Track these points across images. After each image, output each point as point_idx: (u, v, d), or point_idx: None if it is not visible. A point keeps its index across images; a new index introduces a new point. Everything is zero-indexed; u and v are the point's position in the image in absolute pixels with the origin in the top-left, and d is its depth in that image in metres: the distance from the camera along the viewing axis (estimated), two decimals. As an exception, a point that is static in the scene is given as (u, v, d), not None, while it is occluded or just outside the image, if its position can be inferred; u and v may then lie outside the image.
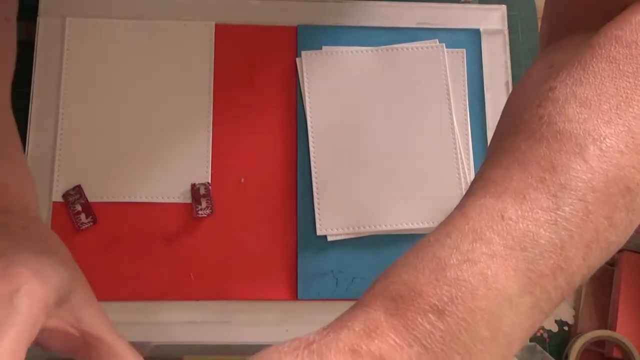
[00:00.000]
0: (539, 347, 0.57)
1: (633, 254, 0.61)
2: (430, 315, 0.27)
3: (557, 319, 0.61)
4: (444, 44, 0.65)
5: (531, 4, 0.69)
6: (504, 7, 0.68)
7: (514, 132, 0.32)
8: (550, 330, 0.61)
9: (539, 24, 0.68)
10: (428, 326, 0.26)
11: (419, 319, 0.27)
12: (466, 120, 0.64)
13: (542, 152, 0.30)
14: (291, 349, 0.27)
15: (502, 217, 0.28)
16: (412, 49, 0.65)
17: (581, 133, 0.30)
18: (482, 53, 0.66)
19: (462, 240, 0.28)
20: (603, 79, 0.31)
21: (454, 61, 0.65)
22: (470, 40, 0.66)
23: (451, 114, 0.64)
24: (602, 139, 0.30)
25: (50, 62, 0.62)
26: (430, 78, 0.64)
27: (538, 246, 0.28)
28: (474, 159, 0.63)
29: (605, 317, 0.61)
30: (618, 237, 0.31)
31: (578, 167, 0.29)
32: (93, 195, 0.59)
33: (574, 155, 0.29)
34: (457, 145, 0.63)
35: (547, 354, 0.56)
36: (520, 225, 0.28)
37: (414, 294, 0.27)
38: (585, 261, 0.29)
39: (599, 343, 0.59)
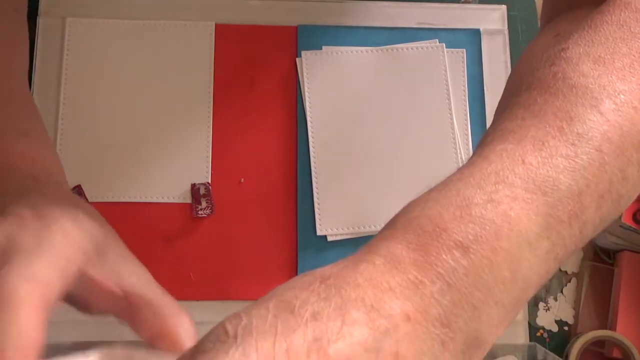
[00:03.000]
0: (539, 347, 0.57)
1: (633, 254, 0.61)
2: (455, 252, 0.26)
3: (557, 319, 0.61)
4: (444, 44, 0.65)
5: (531, 4, 0.69)
6: (504, 7, 0.67)
7: (527, 88, 0.32)
8: (550, 330, 0.61)
9: (539, 24, 0.68)
10: (452, 263, 0.26)
11: (443, 255, 0.26)
12: (466, 120, 0.64)
13: (559, 104, 0.30)
14: (305, 284, 0.26)
15: (523, 161, 0.29)
16: (412, 49, 0.65)
17: (596, 87, 0.30)
18: (482, 53, 0.66)
19: (486, 181, 0.28)
20: (615, 40, 0.32)
21: (454, 61, 0.65)
22: (470, 40, 0.66)
23: (451, 114, 0.64)
24: (616, 94, 0.30)
25: (50, 62, 0.62)
26: (430, 78, 0.64)
27: (558, 192, 0.28)
28: (474, 159, 0.63)
29: (605, 317, 0.61)
30: (628, 192, 0.31)
31: (595, 118, 0.30)
32: (93, 195, 0.59)
33: (590, 108, 0.30)
34: (457, 146, 0.63)
35: (549, 352, 0.56)
36: (541, 170, 0.28)
37: (439, 230, 0.27)
38: (597, 212, 0.30)
39: (599, 343, 0.59)
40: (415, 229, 0.27)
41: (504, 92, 0.37)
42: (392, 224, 0.29)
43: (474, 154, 0.31)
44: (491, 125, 0.33)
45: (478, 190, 0.28)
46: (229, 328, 0.25)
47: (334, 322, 0.24)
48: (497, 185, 0.28)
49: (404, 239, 0.27)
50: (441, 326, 0.25)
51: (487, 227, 0.27)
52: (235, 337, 0.24)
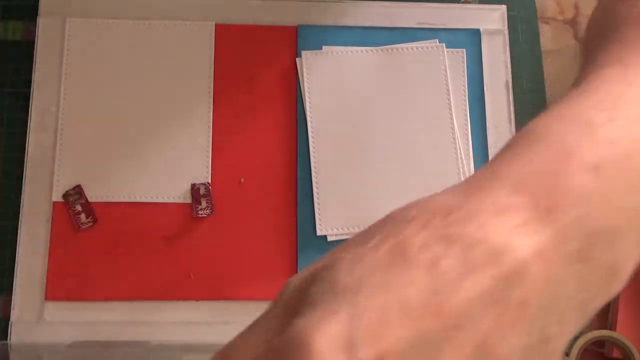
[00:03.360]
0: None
1: (633, 254, 0.61)
2: (588, 175, 0.24)
3: (557, 319, 0.61)
4: (444, 44, 0.65)
5: (531, 4, 0.69)
6: (504, 7, 0.67)
7: (615, 29, 0.31)
8: (550, 330, 0.61)
9: (539, 24, 0.69)
10: (587, 186, 0.24)
11: (576, 178, 0.24)
12: (466, 120, 0.64)
13: None
14: (424, 220, 0.24)
15: (631, 84, 0.27)
16: (412, 49, 0.65)
17: None
18: (482, 53, 0.66)
19: (602, 104, 0.26)
20: None
21: (454, 61, 0.65)
22: (470, 40, 0.66)
23: (451, 114, 0.64)
24: None
25: (50, 62, 0.62)
26: (430, 78, 0.64)
27: None
28: (474, 159, 0.63)
29: (605, 317, 0.61)
30: None
31: None
32: (93, 195, 0.59)
33: None
34: (457, 145, 0.63)
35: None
36: None
37: (567, 151, 0.25)
38: None
39: (599, 343, 0.59)
40: (540, 151, 0.25)
41: (585, 45, 0.35)
42: (509, 148, 0.26)
43: (575, 86, 0.29)
44: (583, 67, 0.31)
45: (597, 112, 0.26)
46: (341, 277, 0.23)
47: (455, 271, 0.22)
48: (615, 105, 0.26)
49: (530, 162, 0.25)
50: (578, 261, 0.23)
51: (617, 148, 0.25)
52: (346, 291, 0.22)
